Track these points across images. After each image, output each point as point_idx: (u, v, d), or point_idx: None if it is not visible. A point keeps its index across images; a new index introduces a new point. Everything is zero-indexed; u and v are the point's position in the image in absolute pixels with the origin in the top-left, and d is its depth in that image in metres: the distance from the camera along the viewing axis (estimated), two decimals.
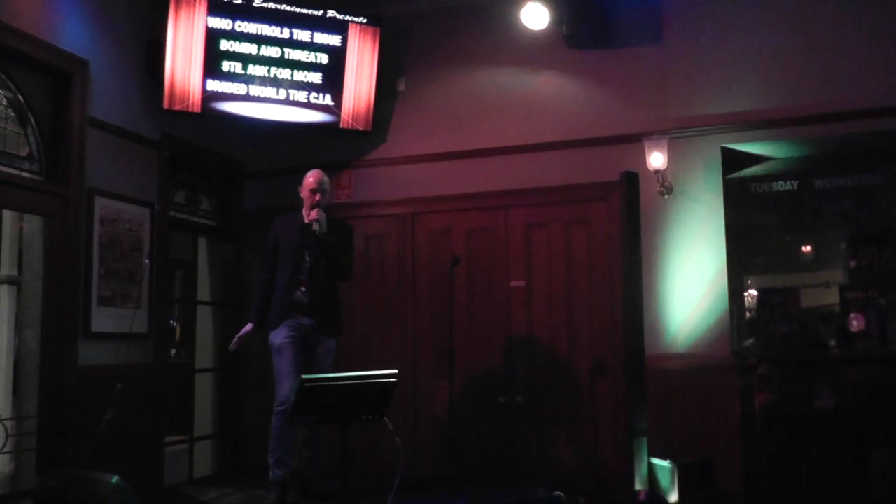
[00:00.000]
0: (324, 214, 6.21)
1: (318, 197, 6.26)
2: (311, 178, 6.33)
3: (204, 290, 8.30)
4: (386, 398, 4.86)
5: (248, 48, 7.27)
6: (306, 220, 6.23)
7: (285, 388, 5.96)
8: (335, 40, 7.56)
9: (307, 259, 6.24)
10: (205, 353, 8.23)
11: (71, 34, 6.31)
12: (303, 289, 6.20)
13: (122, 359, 6.54)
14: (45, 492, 4.98)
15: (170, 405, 7.47)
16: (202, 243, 8.27)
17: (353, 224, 8.04)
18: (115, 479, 4.86)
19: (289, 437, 6.09)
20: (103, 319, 6.45)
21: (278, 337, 6.13)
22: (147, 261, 6.89)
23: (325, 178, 6.38)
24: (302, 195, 6.37)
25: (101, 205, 6.49)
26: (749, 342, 6.91)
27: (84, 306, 6.31)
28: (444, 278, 7.15)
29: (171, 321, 8.51)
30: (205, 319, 8.28)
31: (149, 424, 6.86)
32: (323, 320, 6.26)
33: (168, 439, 7.37)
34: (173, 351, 8.70)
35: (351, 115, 7.64)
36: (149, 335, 6.90)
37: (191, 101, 7.08)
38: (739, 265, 6.97)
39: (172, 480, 7.39)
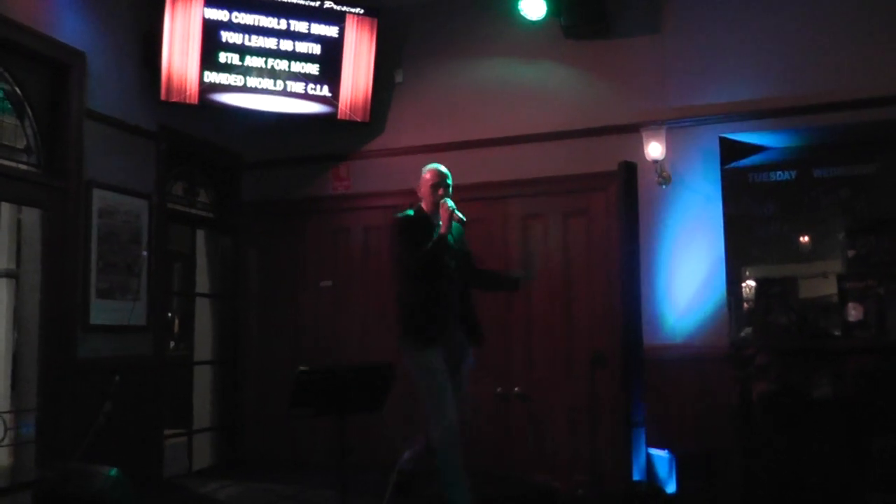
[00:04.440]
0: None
1: (441, 192, 5.58)
2: (429, 174, 5.69)
3: (202, 283, 8.30)
4: (383, 390, 4.87)
5: (245, 39, 7.26)
6: (444, 216, 5.44)
7: (451, 410, 5.41)
8: (332, 31, 7.54)
9: (452, 264, 5.59)
10: (203, 346, 8.25)
11: (68, 26, 6.31)
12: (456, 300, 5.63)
13: (120, 351, 6.55)
14: (43, 484, 4.99)
15: (168, 397, 7.45)
16: (200, 235, 8.28)
17: (353, 216, 8.05)
18: (113, 471, 4.86)
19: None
20: (102, 312, 6.46)
21: (435, 356, 5.41)
22: (145, 253, 6.90)
23: (445, 170, 5.73)
24: (420, 193, 5.70)
25: (99, 197, 6.49)
26: (747, 332, 6.91)
27: (82, 299, 6.31)
28: None
29: (170, 314, 8.52)
30: (203, 312, 8.29)
31: (147, 417, 6.87)
32: (471, 330, 5.72)
33: (167, 432, 7.39)
34: (172, 343, 8.71)
35: (348, 107, 7.64)
36: (147, 327, 6.90)
37: (188, 93, 7.07)
38: (737, 255, 6.96)
39: (171, 473, 7.40)
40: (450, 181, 5.66)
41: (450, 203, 5.45)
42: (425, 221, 5.56)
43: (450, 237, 5.44)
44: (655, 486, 6.32)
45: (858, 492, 6.02)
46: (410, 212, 5.62)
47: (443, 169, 5.70)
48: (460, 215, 5.42)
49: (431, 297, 5.46)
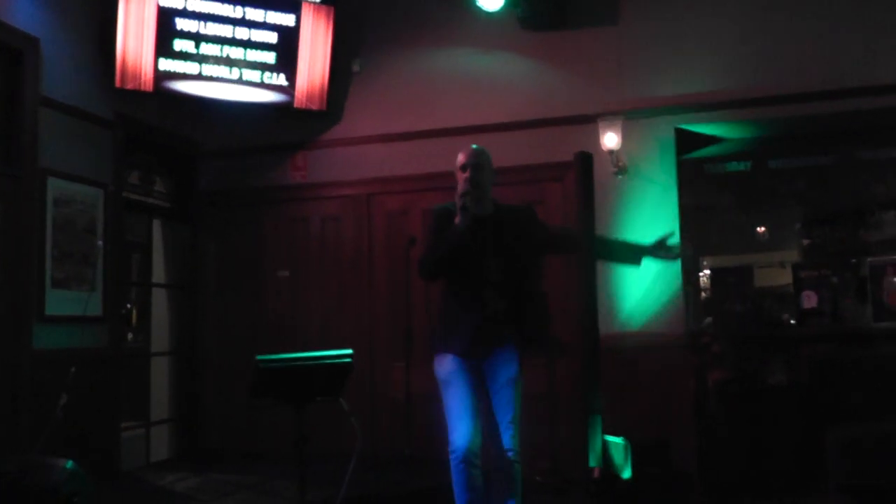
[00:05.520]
0: (478, 191, 4.67)
1: (467, 174, 4.70)
2: (459, 155, 4.82)
3: (159, 273, 8.23)
4: (342, 378, 4.86)
5: (201, 27, 7.21)
6: (459, 205, 4.58)
7: (459, 435, 4.58)
8: (288, 20, 7.50)
9: (490, 264, 4.72)
10: (161, 337, 8.19)
11: (21, 11, 6.22)
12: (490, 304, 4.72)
13: (76, 342, 6.49)
14: None
15: (125, 389, 7.38)
16: (157, 225, 8.21)
17: (311, 206, 8.01)
18: (69, 464, 4.81)
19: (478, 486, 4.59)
20: (57, 302, 6.39)
21: (447, 366, 4.80)
22: (101, 242, 6.83)
23: (478, 150, 4.83)
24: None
25: (54, 185, 6.42)
26: (703, 321, 6.98)
27: (38, 289, 6.24)
28: (401, 259, 7.14)
29: (128, 304, 8.45)
30: (160, 302, 8.22)
31: (104, 409, 6.82)
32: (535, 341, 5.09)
33: (124, 424, 7.32)
34: (130, 335, 8.64)
35: (305, 96, 7.61)
36: (103, 318, 6.84)
37: (143, 80, 7.01)
38: (694, 245, 7.02)
39: (129, 465, 7.35)
40: (482, 160, 4.76)
41: (469, 187, 4.61)
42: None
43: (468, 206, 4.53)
44: (612, 473, 6.37)
45: (813, 477, 6.10)
46: (449, 204, 4.75)
47: (473, 147, 4.84)
48: (465, 202, 4.52)
49: (453, 302, 4.79)
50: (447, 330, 4.81)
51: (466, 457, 4.50)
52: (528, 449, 7.06)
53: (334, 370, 4.81)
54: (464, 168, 4.73)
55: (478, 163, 4.73)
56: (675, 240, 5.10)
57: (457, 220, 4.52)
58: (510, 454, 4.64)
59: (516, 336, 4.80)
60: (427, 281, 4.93)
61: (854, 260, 6.71)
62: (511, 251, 4.75)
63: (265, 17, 7.44)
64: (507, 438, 4.65)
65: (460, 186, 4.66)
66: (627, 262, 5.45)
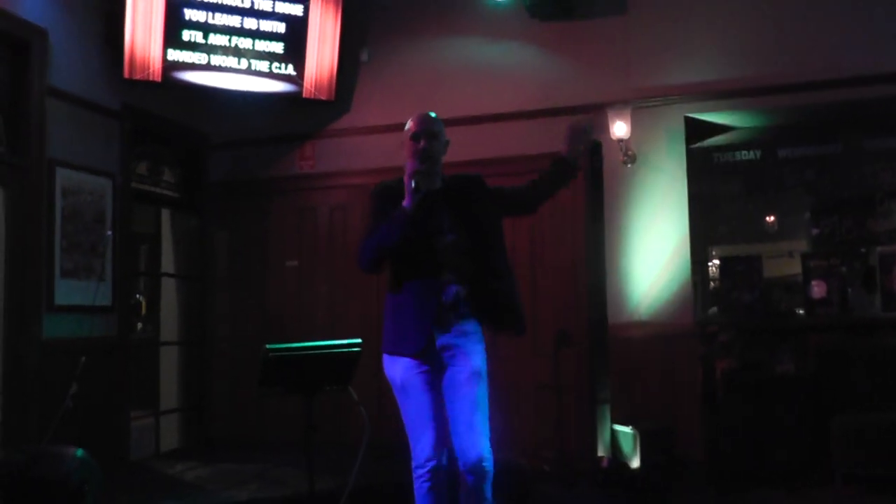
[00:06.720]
0: (432, 166, 4.05)
1: (422, 144, 4.04)
2: (409, 123, 4.14)
3: (168, 263, 8.25)
4: (350, 367, 4.85)
5: (209, 17, 7.20)
6: (406, 182, 3.89)
7: (421, 447, 4.09)
8: (297, 9, 7.49)
9: (445, 241, 4.09)
10: (170, 327, 8.20)
11: (29, 1, 6.21)
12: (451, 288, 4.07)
13: (86, 332, 6.50)
14: (8, 466, 4.95)
15: (135, 379, 7.42)
16: (165, 215, 8.23)
17: (319, 195, 8.00)
18: (79, 453, 4.83)
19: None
20: (67, 292, 6.40)
21: (402, 370, 4.28)
22: (109, 233, 6.84)
23: (432, 116, 4.15)
24: (406, 154, 4.12)
25: (63, 176, 6.42)
26: (712, 310, 6.97)
27: (47, 279, 6.25)
28: None
29: (137, 294, 8.46)
30: (169, 292, 8.24)
31: (114, 398, 6.83)
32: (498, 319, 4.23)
33: (134, 413, 7.34)
34: (139, 325, 8.65)
35: (314, 85, 7.60)
36: (113, 308, 6.86)
37: (151, 71, 7.00)
38: (702, 234, 7.01)
39: (139, 455, 7.37)
40: (438, 128, 4.10)
41: (423, 163, 3.97)
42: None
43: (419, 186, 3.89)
44: (620, 462, 6.38)
45: (820, 466, 6.10)
46: (392, 182, 4.18)
47: (428, 114, 4.14)
48: (418, 183, 3.86)
49: (404, 294, 4.16)
50: (399, 327, 4.18)
51: (434, 473, 3.99)
52: (535, 439, 7.12)
53: (343, 359, 4.81)
54: (416, 137, 4.05)
55: (434, 130, 4.07)
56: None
57: (405, 201, 3.88)
58: (484, 463, 3.90)
59: (481, 322, 4.16)
60: (369, 273, 4.28)
61: (863, 249, 6.69)
62: (471, 225, 4.12)
63: (273, 7, 7.43)
64: (475, 444, 3.91)
65: (412, 161, 3.98)
66: (562, 185, 4.76)
